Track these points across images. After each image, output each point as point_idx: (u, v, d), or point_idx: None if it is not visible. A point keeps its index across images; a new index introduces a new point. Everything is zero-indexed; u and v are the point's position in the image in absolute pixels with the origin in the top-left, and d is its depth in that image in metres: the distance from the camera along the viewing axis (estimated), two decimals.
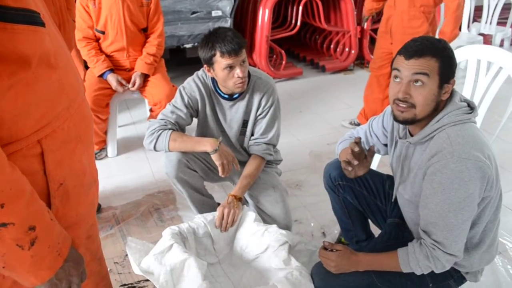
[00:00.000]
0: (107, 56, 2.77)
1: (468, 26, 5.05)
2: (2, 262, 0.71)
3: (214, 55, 1.77)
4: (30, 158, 0.76)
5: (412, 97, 1.33)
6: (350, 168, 1.57)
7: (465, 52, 2.23)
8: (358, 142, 1.48)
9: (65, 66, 0.84)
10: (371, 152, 1.57)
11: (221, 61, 1.76)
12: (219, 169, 1.83)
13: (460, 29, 3.04)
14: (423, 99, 1.32)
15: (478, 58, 2.19)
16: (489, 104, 2.16)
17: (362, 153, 1.56)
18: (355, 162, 1.53)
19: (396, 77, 1.36)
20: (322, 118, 3.64)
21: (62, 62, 0.82)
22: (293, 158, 2.89)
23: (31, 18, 0.73)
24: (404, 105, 1.35)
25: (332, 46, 4.80)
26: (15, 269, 0.72)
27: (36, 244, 0.72)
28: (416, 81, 1.31)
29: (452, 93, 1.39)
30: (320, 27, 4.65)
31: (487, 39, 5.13)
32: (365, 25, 4.59)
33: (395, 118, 1.41)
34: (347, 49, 4.73)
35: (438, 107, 1.36)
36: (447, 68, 1.33)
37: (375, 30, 4.61)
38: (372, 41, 4.94)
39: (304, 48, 5.21)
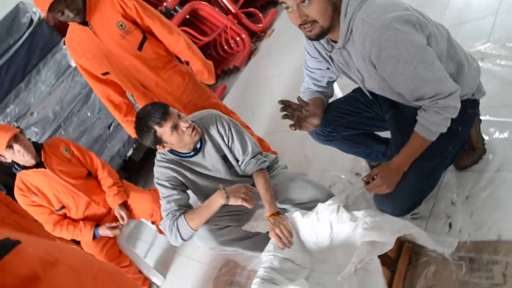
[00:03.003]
0: (83, 219, 2.77)
1: None
2: None
3: (156, 131, 1.80)
4: None
5: (309, 16, 1.39)
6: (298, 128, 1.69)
7: None
8: (282, 105, 1.64)
9: (64, 253, 0.86)
10: (301, 101, 1.67)
11: (164, 130, 1.80)
12: (244, 204, 1.83)
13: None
14: (318, 12, 1.38)
15: None
16: None
17: (296, 109, 1.66)
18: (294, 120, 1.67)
19: (287, 8, 1.42)
20: (276, 99, 3.67)
21: (58, 253, 0.85)
22: (282, 144, 2.97)
23: (5, 245, 0.76)
24: (308, 26, 1.42)
25: (225, 47, 4.90)
26: None
27: None
28: (303, 1, 1.37)
29: None
30: (205, 41, 4.74)
31: None
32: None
33: (310, 38, 1.49)
34: (238, 39, 4.83)
35: (336, 7, 1.41)
36: None
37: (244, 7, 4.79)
38: (250, 15, 5.08)
39: None
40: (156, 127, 1.79)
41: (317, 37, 1.47)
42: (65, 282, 0.80)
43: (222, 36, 4.84)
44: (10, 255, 0.74)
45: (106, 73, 2.50)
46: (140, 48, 2.43)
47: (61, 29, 3.75)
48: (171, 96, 2.59)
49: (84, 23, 2.35)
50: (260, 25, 4.96)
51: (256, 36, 5.06)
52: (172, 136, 1.81)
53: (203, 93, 2.69)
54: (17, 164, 2.51)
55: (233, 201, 1.82)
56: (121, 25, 2.36)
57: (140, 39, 2.42)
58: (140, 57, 2.44)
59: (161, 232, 3.09)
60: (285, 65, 3.98)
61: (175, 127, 1.81)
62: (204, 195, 2.03)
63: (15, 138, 2.38)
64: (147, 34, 2.45)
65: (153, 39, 2.48)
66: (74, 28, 2.44)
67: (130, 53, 2.42)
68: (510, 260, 1.41)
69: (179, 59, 2.67)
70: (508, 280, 1.38)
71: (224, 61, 5.05)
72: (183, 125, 1.82)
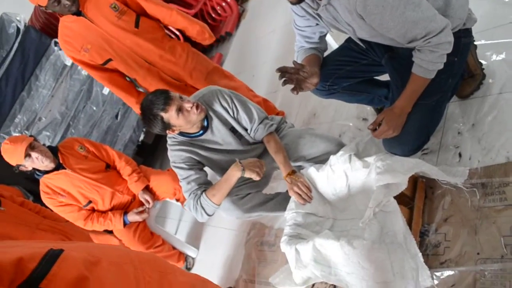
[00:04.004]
0: (111, 209, 2.89)
1: None
2: None
3: (162, 117, 1.84)
4: None
5: None
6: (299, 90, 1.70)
7: None
8: (279, 72, 1.63)
9: (102, 252, 0.95)
10: (297, 64, 1.68)
11: (170, 115, 1.84)
12: (254, 177, 1.89)
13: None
14: None
15: None
16: None
17: (294, 73, 1.67)
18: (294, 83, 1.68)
19: None
20: (273, 58, 3.69)
21: (98, 252, 0.95)
22: (287, 102, 3.00)
23: (51, 256, 0.84)
24: None
25: (213, 15, 4.84)
26: None
27: None
28: None
29: None
30: (192, 13, 4.66)
31: None
32: None
33: (292, 3, 1.52)
34: (224, 4, 4.75)
35: None
36: None
37: None
38: None
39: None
40: (162, 113, 1.83)
41: (298, 1, 1.48)
42: (110, 276, 0.89)
43: (207, 5, 4.77)
44: (57, 264, 0.83)
45: (107, 61, 2.56)
46: (137, 25, 2.50)
47: (48, 31, 3.78)
48: (176, 65, 2.65)
49: (78, 13, 2.40)
50: None
51: None
52: (179, 119, 1.86)
53: (204, 58, 2.78)
54: (38, 170, 2.60)
55: (248, 174, 1.88)
56: (115, 7, 2.43)
57: (134, 17, 2.49)
58: (139, 34, 2.51)
59: None
60: (276, 22, 3.94)
61: (180, 109, 1.85)
62: (221, 168, 2.09)
63: (31, 147, 2.46)
64: (138, 12, 2.51)
65: (145, 16, 2.55)
66: (66, 23, 2.47)
67: (129, 32, 2.49)
68: None
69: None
70: None
71: (215, 30, 4.99)
72: (187, 105, 1.86)
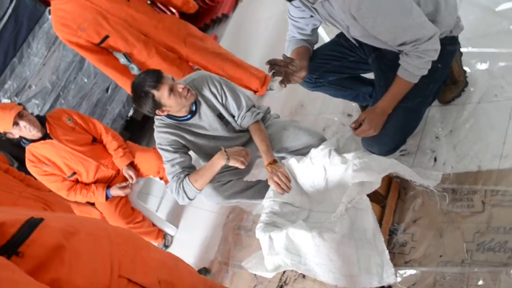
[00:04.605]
0: (95, 182, 2.92)
1: None
2: None
3: (153, 95, 1.84)
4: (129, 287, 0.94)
5: None
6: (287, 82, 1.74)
7: None
8: (269, 64, 1.68)
9: (81, 223, 1.00)
10: (286, 58, 1.71)
11: (162, 94, 1.85)
12: (238, 166, 1.93)
13: None
14: None
15: None
16: None
17: (283, 66, 1.70)
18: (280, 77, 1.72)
19: None
20: (267, 44, 3.70)
21: (77, 223, 1.00)
22: (278, 92, 3.03)
23: (31, 224, 0.88)
24: None
25: None
26: None
27: None
28: None
29: None
30: None
31: None
32: None
33: None
34: None
35: None
36: None
37: None
38: None
39: (198, 19, 5.23)
40: (154, 91, 1.84)
41: None
42: (86, 247, 0.94)
43: None
44: (36, 231, 0.88)
45: (105, 38, 2.60)
46: None
47: None
48: (171, 33, 2.76)
49: None
50: None
51: None
52: (170, 99, 1.87)
53: (192, 26, 2.94)
54: (25, 138, 2.62)
55: (233, 163, 1.93)
56: None
57: None
58: (132, 6, 2.62)
59: None
60: (274, 8, 3.93)
61: (172, 90, 1.87)
62: (205, 154, 2.13)
63: (20, 115, 2.48)
64: None
65: None
66: (58, 5, 2.49)
67: (122, 5, 2.59)
68: (488, 188, 1.53)
69: None
70: (487, 207, 1.51)
71: (211, 10, 4.96)
72: (179, 86, 1.88)
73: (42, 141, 2.66)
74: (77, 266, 0.89)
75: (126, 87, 2.88)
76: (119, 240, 1.03)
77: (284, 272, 2.06)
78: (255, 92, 3.17)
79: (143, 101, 1.87)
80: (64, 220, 0.99)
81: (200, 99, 2.03)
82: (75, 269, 0.88)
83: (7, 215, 0.89)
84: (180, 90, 1.88)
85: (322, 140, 2.06)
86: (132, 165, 2.99)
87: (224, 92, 2.06)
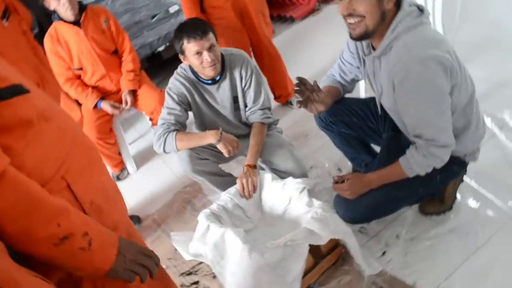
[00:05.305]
0: (93, 87, 2.94)
1: None
2: (76, 264, 0.91)
3: (183, 43, 1.91)
4: (62, 192, 0.95)
5: (356, 10, 1.44)
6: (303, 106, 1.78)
7: None
8: (298, 81, 1.70)
9: (58, 114, 1.03)
10: (316, 85, 1.75)
11: (189, 48, 1.90)
12: (224, 152, 1.97)
13: None
14: (365, 8, 1.43)
15: None
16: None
17: (309, 90, 1.74)
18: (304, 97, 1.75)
19: None
20: (310, 65, 3.74)
21: (55, 112, 1.01)
22: (294, 111, 3.08)
23: (17, 90, 0.91)
24: (352, 20, 1.47)
25: None
26: (86, 267, 0.92)
27: (93, 243, 0.91)
28: None
29: (400, 1, 1.48)
30: None
31: None
32: None
33: (351, 37, 1.53)
34: None
35: (384, 16, 1.46)
36: None
37: None
38: None
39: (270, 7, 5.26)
40: (185, 40, 1.90)
41: (358, 37, 1.51)
42: (50, 136, 0.96)
43: None
44: (17, 98, 0.90)
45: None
46: None
47: None
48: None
49: None
50: None
51: None
52: (192, 58, 1.93)
53: (267, 8, 3.16)
54: (58, 15, 2.64)
55: (220, 147, 1.97)
56: None
57: None
58: None
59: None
60: (337, 39, 3.96)
61: (199, 53, 1.91)
62: (202, 122, 2.17)
63: None
64: None
65: None
66: None
67: None
68: None
69: None
70: None
71: (284, 7, 5.01)
72: (207, 55, 1.91)
73: (71, 25, 2.69)
74: (34, 147, 0.90)
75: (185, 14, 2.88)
76: (81, 147, 1.06)
77: (201, 262, 2.09)
78: (276, 97, 3.20)
79: (175, 40, 1.95)
80: (46, 103, 1.01)
81: (227, 74, 2.07)
82: (31, 148, 0.90)
83: (2, 70, 0.91)
84: (206, 59, 1.92)
85: (304, 175, 2.10)
86: (133, 93, 3.02)
87: (251, 81, 2.10)
